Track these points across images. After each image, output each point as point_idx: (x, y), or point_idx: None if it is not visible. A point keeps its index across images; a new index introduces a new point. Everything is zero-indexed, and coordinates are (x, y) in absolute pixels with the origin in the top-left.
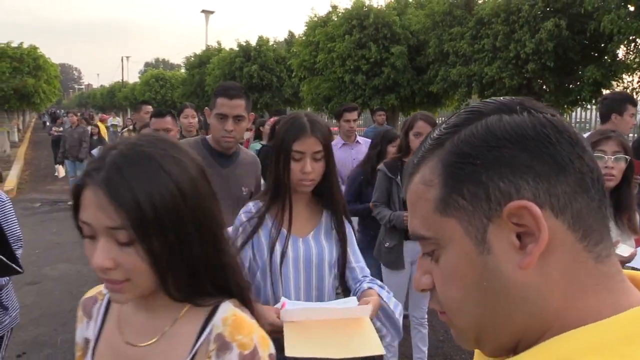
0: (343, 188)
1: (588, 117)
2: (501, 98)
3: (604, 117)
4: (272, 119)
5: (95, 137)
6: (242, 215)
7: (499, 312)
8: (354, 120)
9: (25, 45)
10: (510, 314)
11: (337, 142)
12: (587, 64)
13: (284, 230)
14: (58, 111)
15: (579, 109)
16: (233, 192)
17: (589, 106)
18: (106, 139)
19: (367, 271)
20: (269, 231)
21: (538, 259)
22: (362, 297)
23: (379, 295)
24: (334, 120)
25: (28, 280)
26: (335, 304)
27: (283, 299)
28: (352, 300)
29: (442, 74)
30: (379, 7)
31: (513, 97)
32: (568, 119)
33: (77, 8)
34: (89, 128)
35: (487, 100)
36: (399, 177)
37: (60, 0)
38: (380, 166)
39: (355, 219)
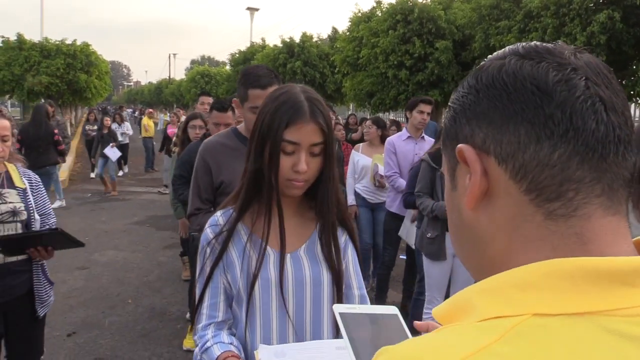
0: (401, 182)
1: None
2: (534, 44)
3: None
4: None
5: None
6: (209, 231)
7: (464, 247)
8: (428, 114)
9: (78, 43)
10: (468, 252)
11: (402, 133)
12: None
13: (265, 244)
14: (108, 107)
15: (632, 105)
16: None
17: None
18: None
19: (368, 302)
20: (243, 247)
21: (484, 204)
22: None
23: None
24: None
25: (79, 265)
26: (330, 345)
27: (259, 348)
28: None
29: None
30: (424, 1)
31: (539, 45)
32: None
33: (127, 8)
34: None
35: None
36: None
37: (113, 0)
38: (425, 156)
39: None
